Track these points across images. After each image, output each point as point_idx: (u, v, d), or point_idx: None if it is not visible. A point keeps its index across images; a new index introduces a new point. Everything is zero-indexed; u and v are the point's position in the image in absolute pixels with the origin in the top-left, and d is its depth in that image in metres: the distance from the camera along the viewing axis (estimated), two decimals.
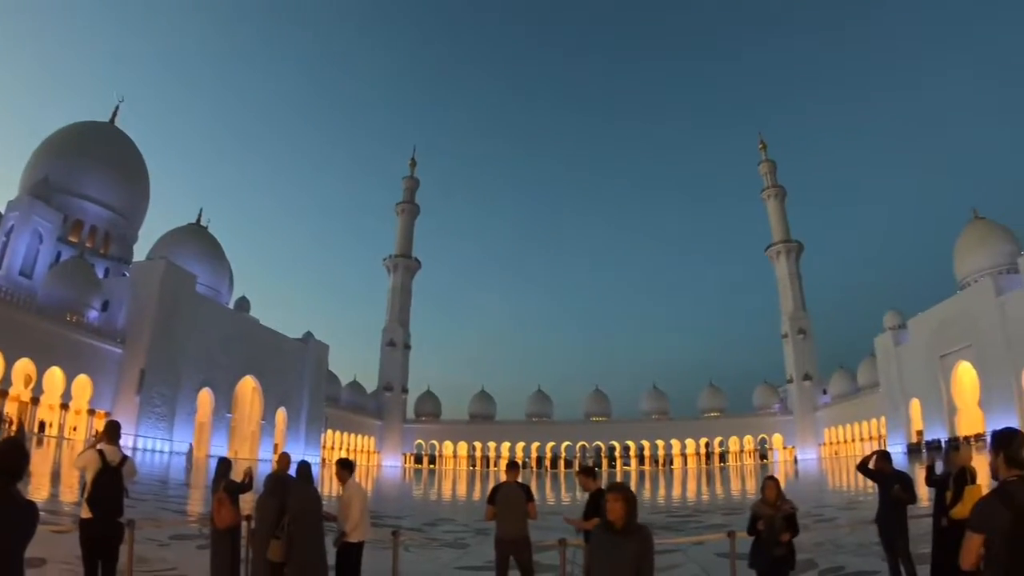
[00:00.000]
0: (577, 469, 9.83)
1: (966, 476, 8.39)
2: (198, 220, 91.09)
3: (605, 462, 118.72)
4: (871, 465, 10.52)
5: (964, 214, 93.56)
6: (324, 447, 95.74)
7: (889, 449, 72.03)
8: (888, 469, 10.19)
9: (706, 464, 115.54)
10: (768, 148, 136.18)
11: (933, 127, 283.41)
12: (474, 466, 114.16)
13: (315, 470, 9.97)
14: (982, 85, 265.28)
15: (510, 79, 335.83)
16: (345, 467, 9.98)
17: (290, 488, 9.57)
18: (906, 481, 9.99)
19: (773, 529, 8.76)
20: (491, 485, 11.15)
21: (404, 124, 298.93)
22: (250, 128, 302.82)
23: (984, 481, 7.28)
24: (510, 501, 9.97)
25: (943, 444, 74.39)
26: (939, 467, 10.29)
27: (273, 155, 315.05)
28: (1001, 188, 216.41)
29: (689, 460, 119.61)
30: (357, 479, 10.17)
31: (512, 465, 10.74)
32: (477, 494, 47.12)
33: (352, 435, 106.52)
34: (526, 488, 10.19)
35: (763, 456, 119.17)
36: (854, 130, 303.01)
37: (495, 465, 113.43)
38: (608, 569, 5.41)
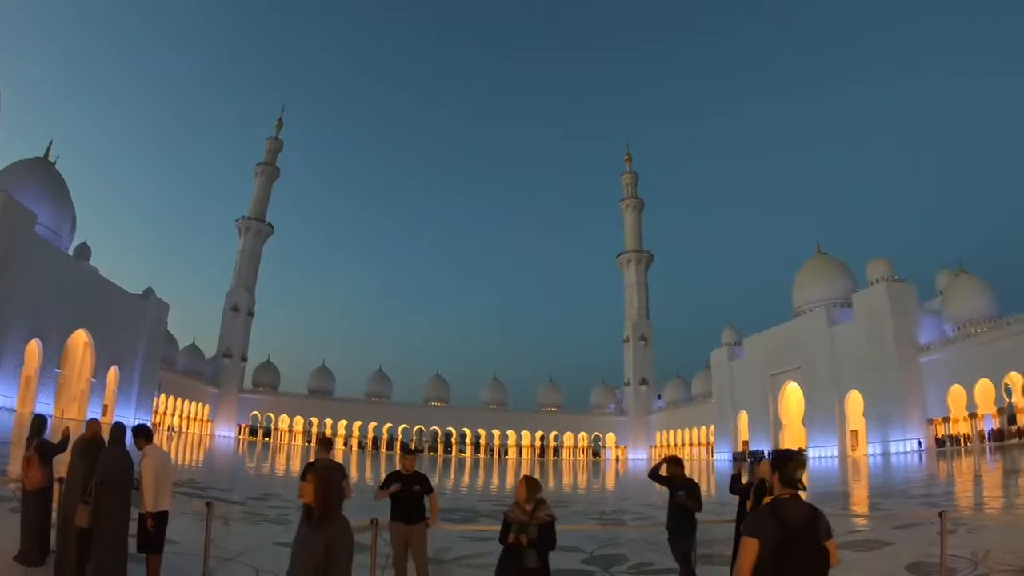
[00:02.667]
0: (402, 451, 9.56)
1: (764, 487, 8.69)
2: (46, 154, 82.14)
3: (441, 448, 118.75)
4: (662, 472, 10.57)
5: (809, 246, 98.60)
6: (156, 412, 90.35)
7: (716, 457, 76.01)
8: (680, 475, 10.31)
9: (540, 457, 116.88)
10: (633, 160, 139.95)
11: (790, 160, 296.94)
12: (309, 442, 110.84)
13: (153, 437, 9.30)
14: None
15: (387, 73, 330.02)
16: (142, 434, 9.23)
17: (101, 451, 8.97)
18: (692, 489, 10.08)
19: (521, 540, 7.28)
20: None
21: (275, 84, 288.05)
22: (112, 69, 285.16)
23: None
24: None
25: (752, 456, 79.03)
26: (746, 477, 10.60)
27: (135, 101, 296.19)
28: (844, 225, 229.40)
29: (524, 452, 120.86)
30: (158, 445, 9.58)
31: (324, 442, 10.45)
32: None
33: (186, 401, 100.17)
34: (339, 466, 9.92)
35: (595, 453, 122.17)
36: (717, 151, 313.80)
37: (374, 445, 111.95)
38: (299, 561, 4.98)
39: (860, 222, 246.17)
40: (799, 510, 4.38)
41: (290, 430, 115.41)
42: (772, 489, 4.67)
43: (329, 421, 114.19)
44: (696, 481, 10.39)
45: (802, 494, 4.65)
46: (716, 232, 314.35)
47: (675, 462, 10.51)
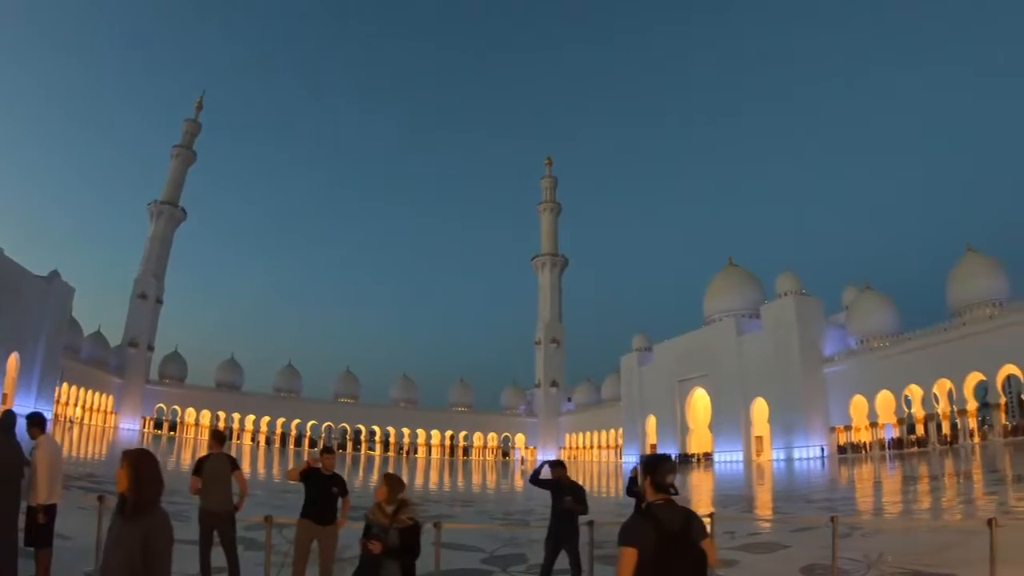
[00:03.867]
0: (321, 448, 9.23)
1: (676, 488, 8.61)
2: None
3: (350, 445, 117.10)
4: (549, 475, 10.46)
5: (721, 258, 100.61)
6: (58, 402, 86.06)
7: (624, 460, 76.70)
8: (564, 478, 10.21)
9: (450, 456, 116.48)
10: (554, 165, 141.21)
11: (707, 174, 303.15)
12: None
13: (48, 427, 8.75)
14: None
15: (310, 70, 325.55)
16: (36, 424, 8.74)
17: None
18: (578, 492, 10.02)
19: (372, 547, 6.34)
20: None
21: (199, 67, 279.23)
22: (25, 42, 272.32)
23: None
24: (216, 473, 9.44)
25: (674, 458, 79.65)
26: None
27: (49, 76, 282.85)
28: (756, 240, 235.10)
29: (434, 451, 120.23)
30: (52, 436, 9.10)
31: (216, 435, 10.13)
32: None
33: (90, 391, 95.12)
34: (232, 459, 9.69)
35: (505, 454, 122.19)
36: (636, 163, 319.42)
37: (238, 438, 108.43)
38: (113, 557, 4.28)
39: (771, 237, 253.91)
40: (673, 514, 4.36)
41: (197, 424, 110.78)
42: (645, 495, 4.59)
43: (237, 416, 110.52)
44: (580, 484, 10.29)
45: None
46: (631, 240, 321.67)
47: (558, 465, 10.38)
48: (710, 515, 11.67)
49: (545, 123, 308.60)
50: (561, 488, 10.05)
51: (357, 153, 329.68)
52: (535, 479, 10.46)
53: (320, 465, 9.44)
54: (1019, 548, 11.69)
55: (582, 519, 10.09)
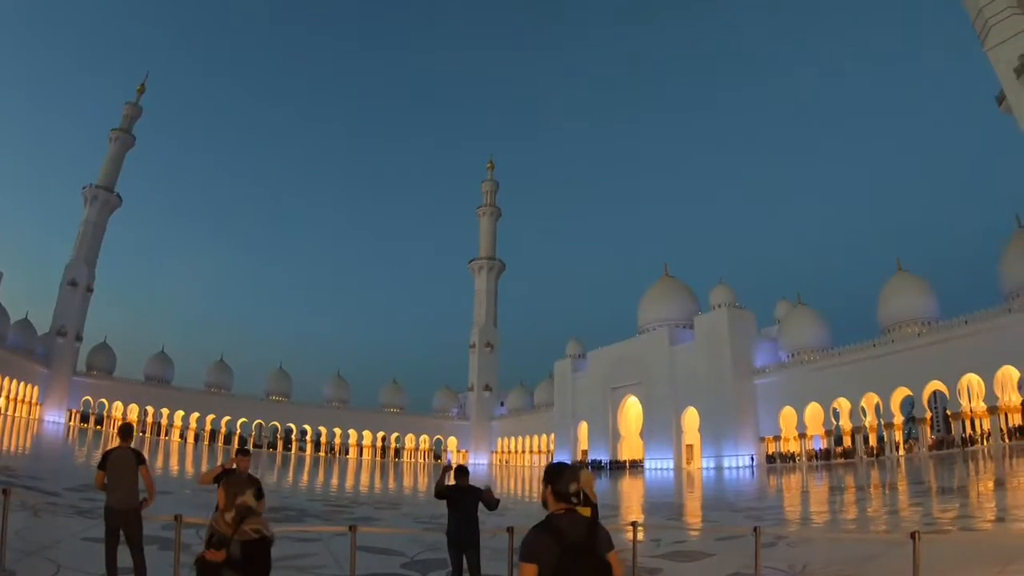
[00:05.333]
0: (237, 447, 8.80)
1: (579, 497, 8.43)
2: None
3: (280, 444, 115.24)
4: (449, 481, 10.14)
5: (657, 268, 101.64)
6: None
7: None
8: (466, 483, 9.94)
9: (381, 458, 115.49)
10: (496, 169, 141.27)
11: (647, 186, 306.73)
12: (144, 432, 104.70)
13: None
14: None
15: (255, 73, 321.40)
16: None
17: None
18: (480, 494, 9.79)
19: (209, 557, 5.29)
20: (160, 454, 9.99)
21: (142, 51, 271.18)
22: None
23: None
24: (120, 468, 9.03)
25: (604, 464, 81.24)
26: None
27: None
28: (693, 252, 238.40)
29: (365, 452, 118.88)
30: None
31: (124, 430, 9.64)
32: (159, 464, 44.29)
33: (14, 381, 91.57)
34: (138, 453, 9.24)
35: (437, 456, 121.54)
36: (577, 171, 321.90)
37: (167, 434, 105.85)
38: None
39: (707, 250, 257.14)
40: (576, 525, 4.19)
41: (124, 418, 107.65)
42: (547, 504, 4.40)
43: (166, 411, 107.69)
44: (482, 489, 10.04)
45: (583, 510, 4.42)
46: (569, 247, 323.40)
47: (462, 472, 10.09)
48: (633, 524, 11.48)
49: (488, 128, 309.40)
50: (464, 492, 9.80)
51: (297, 149, 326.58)
52: (440, 488, 9.95)
53: (235, 467, 9.16)
54: (941, 560, 11.71)
55: (503, 524, 9.81)
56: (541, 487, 4.51)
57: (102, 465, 9.02)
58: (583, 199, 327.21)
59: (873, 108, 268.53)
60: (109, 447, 9.53)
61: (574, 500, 4.36)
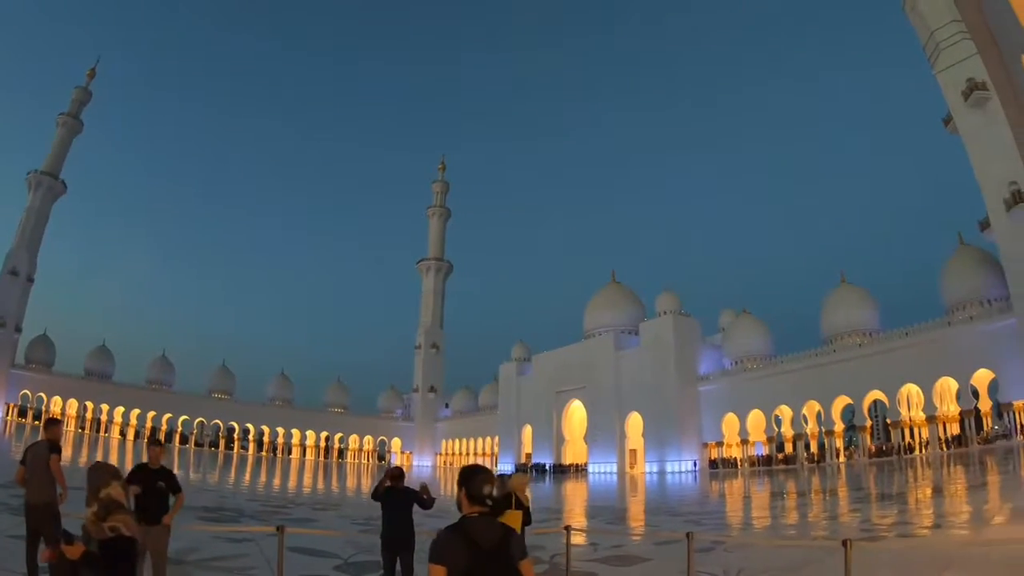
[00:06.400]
0: (149, 440, 8.49)
1: (510, 501, 8.60)
2: None
3: (223, 443, 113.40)
4: (387, 484, 9.90)
5: (605, 274, 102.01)
6: None
7: (499, 468, 76.95)
8: (401, 485, 9.75)
9: (324, 458, 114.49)
10: (448, 171, 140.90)
11: (594, 194, 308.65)
12: (83, 428, 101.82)
13: None
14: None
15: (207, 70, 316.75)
16: None
17: None
18: (424, 495, 9.62)
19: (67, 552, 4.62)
20: (99, 451, 9.58)
21: (93, 35, 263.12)
22: None
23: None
24: (35, 460, 8.73)
25: (547, 468, 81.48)
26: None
27: None
28: (640, 259, 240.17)
29: (309, 452, 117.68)
30: None
31: (50, 423, 9.28)
32: (84, 459, 43.10)
33: None
34: (51, 444, 8.91)
35: (381, 457, 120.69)
36: (527, 176, 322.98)
37: (106, 431, 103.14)
38: None
39: (654, 257, 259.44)
40: (489, 530, 4.06)
41: (64, 414, 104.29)
42: (461, 507, 4.28)
43: (106, 407, 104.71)
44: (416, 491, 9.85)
45: (514, 513, 4.18)
46: (517, 251, 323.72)
47: (398, 475, 9.83)
48: (567, 528, 11.29)
49: (441, 128, 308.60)
50: (400, 493, 9.63)
51: (245, 146, 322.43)
52: (379, 490, 9.75)
53: (146, 459, 8.81)
54: (878, 566, 11.71)
55: (440, 526, 9.51)
56: (457, 491, 4.35)
57: (23, 459, 8.77)
58: (534, 204, 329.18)
59: (823, 123, 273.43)
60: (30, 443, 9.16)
61: (488, 502, 4.20)
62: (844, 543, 7.26)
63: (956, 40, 51.37)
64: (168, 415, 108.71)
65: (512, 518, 8.29)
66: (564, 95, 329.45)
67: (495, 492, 4.28)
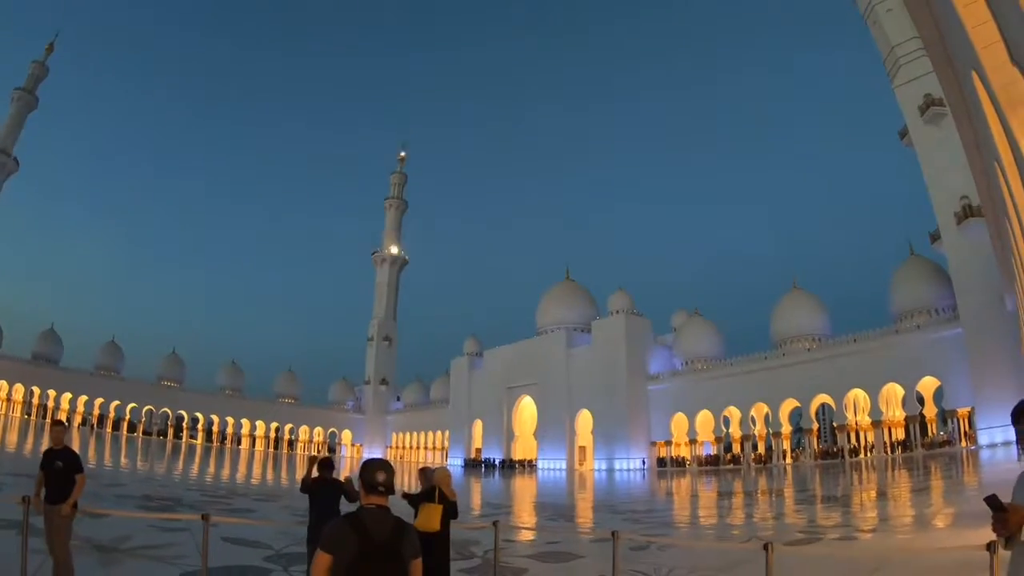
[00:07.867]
0: (52, 421, 8.29)
1: (434, 494, 8.53)
2: None
3: (171, 432, 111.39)
4: (313, 475, 9.67)
5: (559, 272, 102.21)
6: None
7: (449, 462, 76.82)
8: (330, 477, 9.60)
9: (274, 449, 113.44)
10: (407, 162, 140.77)
11: (552, 191, 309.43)
12: (29, 414, 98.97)
13: None
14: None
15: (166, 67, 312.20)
16: None
17: None
18: (349, 487, 9.38)
19: None
20: (44, 437, 9.25)
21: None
22: None
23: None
24: None
25: (495, 463, 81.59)
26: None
27: None
28: (594, 258, 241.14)
29: (258, 442, 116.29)
30: None
31: None
32: (29, 447, 42.46)
33: None
34: None
35: (331, 449, 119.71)
36: (485, 174, 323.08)
37: (52, 417, 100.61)
38: None
39: (608, 255, 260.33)
40: (383, 522, 3.98)
41: (9, 400, 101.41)
42: (359, 497, 4.22)
43: (53, 393, 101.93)
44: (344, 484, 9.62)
45: (435, 506, 3.97)
46: (472, 245, 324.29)
47: (326, 465, 9.58)
48: (494, 523, 11.08)
49: (401, 120, 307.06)
50: (328, 486, 9.41)
51: (200, 134, 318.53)
52: (307, 482, 9.52)
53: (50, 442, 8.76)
54: (811, 567, 11.78)
55: None
56: (358, 483, 4.29)
57: None
58: (492, 198, 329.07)
59: (779, 129, 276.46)
60: (11, 432, 8.80)
61: (381, 490, 4.10)
62: (765, 547, 7.14)
63: (916, 56, 52.24)
64: (116, 402, 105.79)
65: (432, 511, 8.32)
66: (519, 92, 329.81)
67: (396, 482, 4.08)
